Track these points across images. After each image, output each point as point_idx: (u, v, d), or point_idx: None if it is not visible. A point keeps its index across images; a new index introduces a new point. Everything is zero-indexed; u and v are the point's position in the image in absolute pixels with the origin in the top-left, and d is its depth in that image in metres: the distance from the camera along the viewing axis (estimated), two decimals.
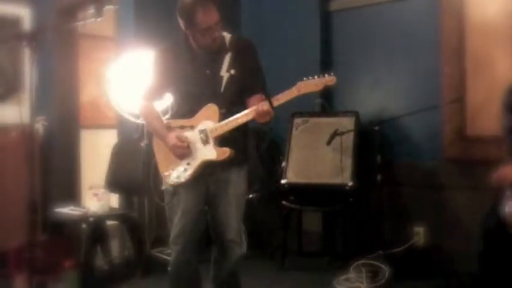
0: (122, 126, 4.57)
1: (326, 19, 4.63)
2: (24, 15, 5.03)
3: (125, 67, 4.16)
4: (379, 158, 3.91)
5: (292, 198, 4.17)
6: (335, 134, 3.98)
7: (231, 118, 2.79)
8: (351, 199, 3.97)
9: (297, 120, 4.32)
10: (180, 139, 2.81)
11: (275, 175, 4.39)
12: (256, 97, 2.83)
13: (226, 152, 2.80)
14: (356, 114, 4.18)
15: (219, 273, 3.01)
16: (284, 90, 2.78)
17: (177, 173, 2.85)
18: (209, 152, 2.81)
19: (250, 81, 2.88)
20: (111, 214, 4.17)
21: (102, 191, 4.06)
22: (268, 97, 2.72)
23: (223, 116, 2.80)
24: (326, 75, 2.77)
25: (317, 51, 4.60)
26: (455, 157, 3.94)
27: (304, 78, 2.74)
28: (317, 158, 4.16)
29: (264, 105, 2.70)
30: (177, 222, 2.87)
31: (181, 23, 2.80)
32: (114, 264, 4.26)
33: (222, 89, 2.84)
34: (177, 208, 2.88)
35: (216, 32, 2.78)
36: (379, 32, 4.35)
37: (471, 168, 3.84)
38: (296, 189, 4.17)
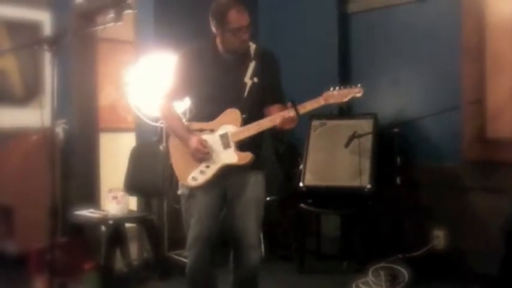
0: (141, 129, 4.59)
1: (344, 21, 4.62)
2: (44, 19, 5.09)
3: (144, 70, 4.20)
4: (398, 160, 3.88)
5: (310, 201, 4.16)
6: (353, 136, 3.96)
7: (254, 123, 2.81)
8: (370, 202, 3.95)
9: (315, 123, 4.30)
10: (202, 143, 2.81)
11: (293, 178, 4.38)
12: (276, 107, 2.87)
13: (248, 156, 2.81)
14: (374, 117, 4.16)
15: (238, 279, 3.01)
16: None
17: (194, 175, 2.85)
18: (230, 156, 2.82)
19: (272, 91, 2.92)
20: (130, 217, 4.20)
21: (121, 193, 4.09)
22: (295, 104, 2.73)
23: (244, 121, 2.82)
24: (353, 86, 2.81)
25: (335, 53, 4.59)
26: (475, 159, 3.89)
27: (331, 89, 2.77)
28: (335, 160, 4.14)
29: (291, 112, 2.73)
30: (193, 227, 2.87)
31: (213, 23, 2.84)
32: (133, 267, 4.28)
33: (245, 95, 2.85)
34: (193, 212, 2.88)
35: (246, 35, 2.82)
36: (398, 33, 4.33)
37: (491, 170, 3.80)
38: (314, 192, 4.15)
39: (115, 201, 4.03)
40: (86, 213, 4.11)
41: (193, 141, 2.81)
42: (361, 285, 3.62)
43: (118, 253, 4.20)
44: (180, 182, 2.93)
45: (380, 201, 4.01)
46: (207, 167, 2.84)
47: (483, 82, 3.90)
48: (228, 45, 2.85)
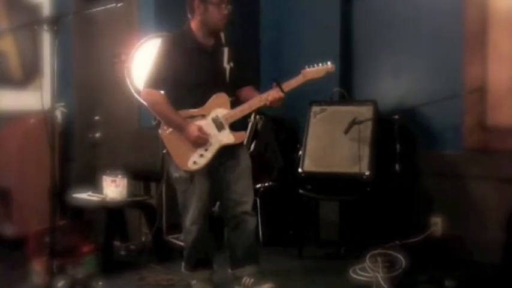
0: (141, 112, 4.58)
1: (346, 6, 4.59)
2: (44, 0, 5.03)
3: (145, 53, 4.17)
4: (398, 147, 3.88)
5: (309, 187, 4.16)
6: (353, 122, 3.95)
7: (245, 104, 3.09)
8: (368, 188, 3.95)
9: (315, 109, 4.29)
10: (202, 130, 3.01)
11: (293, 164, 4.38)
12: (248, 88, 3.18)
13: (243, 135, 3.16)
14: (374, 103, 4.15)
15: (238, 248, 3.21)
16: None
17: (195, 159, 3.04)
18: (226, 137, 3.07)
19: (243, 74, 3.20)
20: (129, 200, 4.18)
21: (120, 177, 4.08)
22: (279, 84, 3.01)
23: (232, 104, 3.09)
24: (329, 62, 3.12)
25: (337, 39, 4.56)
26: (475, 147, 3.91)
27: (306, 67, 3.10)
28: (334, 146, 4.13)
29: (277, 92, 3.01)
30: (195, 206, 3.08)
31: (195, 2, 3.02)
32: (131, 250, 4.29)
33: (227, 79, 3.10)
34: (193, 193, 3.08)
35: (227, 9, 3.03)
36: (400, 20, 4.30)
37: (491, 158, 3.81)
38: (313, 178, 4.16)
39: (114, 184, 4.02)
40: (85, 196, 4.11)
41: (194, 129, 3.00)
42: (358, 271, 3.62)
43: (116, 236, 4.21)
44: (180, 167, 3.08)
45: (379, 188, 4.01)
46: (206, 150, 3.05)
47: (484, 70, 3.90)
48: (211, 22, 3.04)
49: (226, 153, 3.11)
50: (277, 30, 5.01)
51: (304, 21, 4.81)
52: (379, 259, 3.63)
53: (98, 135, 4.70)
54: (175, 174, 3.14)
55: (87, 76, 5.18)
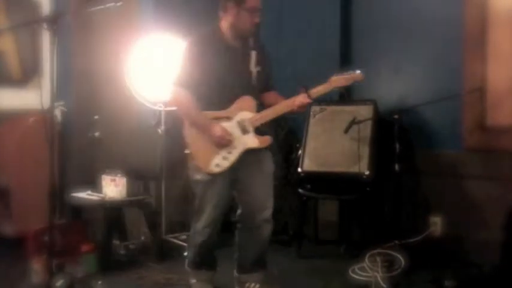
0: (140, 111, 4.57)
1: (346, 5, 4.59)
2: None
3: (144, 52, 4.17)
4: (397, 147, 3.88)
5: (308, 186, 4.16)
6: (353, 122, 3.95)
7: (270, 109, 3.05)
8: (368, 188, 3.95)
9: (315, 108, 4.29)
10: (226, 131, 2.96)
11: (293, 163, 4.38)
12: (273, 93, 3.14)
13: (267, 140, 3.06)
14: (374, 103, 4.15)
15: (248, 253, 3.19)
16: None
17: (218, 162, 2.99)
18: (250, 141, 3.02)
19: (268, 78, 3.16)
20: (128, 199, 4.18)
21: (119, 176, 4.08)
22: (308, 90, 2.97)
23: (257, 108, 3.04)
24: (358, 71, 3.05)
25: (337, 39, 4.56)
26: (475, 147, 3.91)
27: (334, 74, 3.03)
28: (334, 146, 4.14)
29: (305, 97, 2.97)
30: (211, 211, 3.06)
31: (229, 3, 2.97)
32: (130, 249, 4.29)
33: (254, 82, 3.05)
34: (212, 198, 3.04)
35: (258, 18, 2.99)
36: (400, 19, 4.31)
37: (491, 158, 3.82)
38: (312, 178, 4.16)
39: (113, 183, 4.03)
40: (84, 195, 4.11)
41: (218, 129, 2.96)
42: (357, 270, 3.63)
43: (115, 235, 4.20)
44: (202, 169, 3.03)
45: (378, 187, 4.01)
46: (229, 152, 3.00)
47: (484, 70, 3.90)
48: (240, 26, 2.99)
49: (249, 156, 3.03)
50: (276, 31, 5.00)
51: (304, 21, 4.81)
52: (378, 259, 3.63)
53: (97, 134, 4.68)
54: (196, 177, 3.08)
55: (86, 75, 5.17)
